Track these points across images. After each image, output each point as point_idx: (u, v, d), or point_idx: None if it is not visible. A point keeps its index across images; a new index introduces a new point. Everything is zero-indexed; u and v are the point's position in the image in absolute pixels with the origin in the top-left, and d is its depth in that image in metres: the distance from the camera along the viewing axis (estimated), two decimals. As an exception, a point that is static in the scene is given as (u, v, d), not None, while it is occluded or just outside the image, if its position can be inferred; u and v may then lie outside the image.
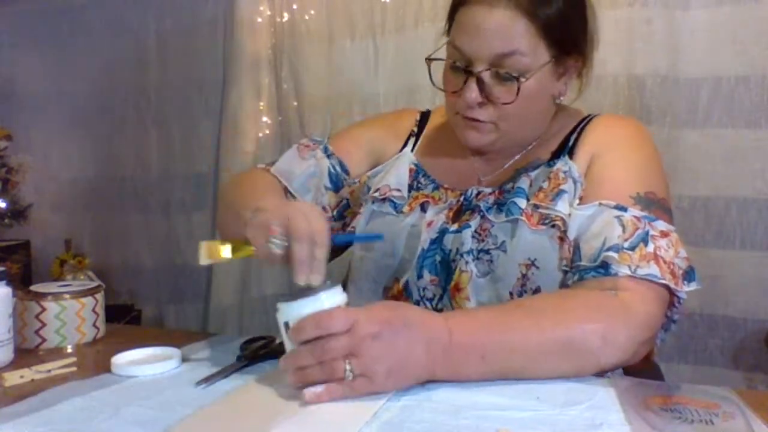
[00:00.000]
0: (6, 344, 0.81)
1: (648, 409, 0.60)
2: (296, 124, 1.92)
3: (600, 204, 0.80)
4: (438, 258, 0.85)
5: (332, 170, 0.98)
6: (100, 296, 0.96)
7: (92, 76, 2.24)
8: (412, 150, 0.99)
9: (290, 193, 0.96)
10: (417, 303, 0.86)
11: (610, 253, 0.75)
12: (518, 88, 0.81)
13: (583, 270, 0.77)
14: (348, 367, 0.62)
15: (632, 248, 0.75)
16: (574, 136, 0.90)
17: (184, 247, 2.16)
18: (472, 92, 0.83)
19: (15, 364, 0.81)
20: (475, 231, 0.84)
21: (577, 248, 0.80)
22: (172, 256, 2.18)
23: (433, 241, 0.86)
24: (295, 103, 1.93)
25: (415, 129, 1.02)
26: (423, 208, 0.90)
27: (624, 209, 0.78)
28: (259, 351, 0.80)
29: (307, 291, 0.68)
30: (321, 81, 1.87)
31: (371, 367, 0.63)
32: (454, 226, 0.86)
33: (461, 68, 0.84)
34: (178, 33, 2.11)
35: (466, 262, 0.82)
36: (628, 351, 0.72)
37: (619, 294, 0.73)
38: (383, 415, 0.61)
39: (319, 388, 0.63)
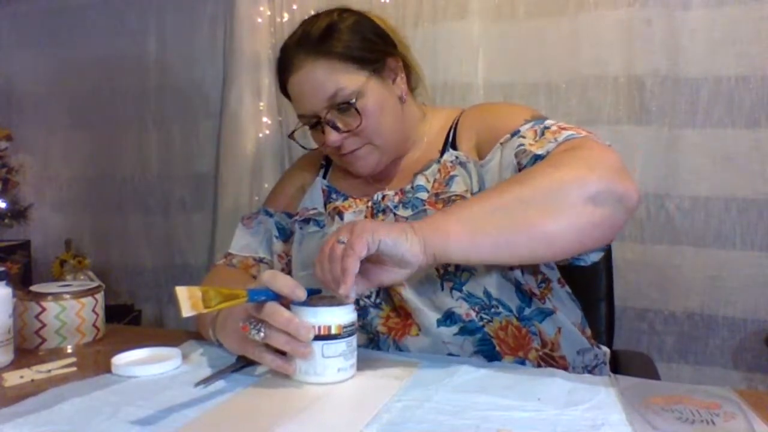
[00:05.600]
0: (6, 344, 0.81)
1: (649, 409, 0.60)
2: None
3: (500, 144, 0.87)
4: None
5: (279, 224, 1.06)
6: (100, 296, 0.96)
7: (92, 76, 2.24)
8: (324, 177, 1.08)
9: (262, 260, 1.05)
10: (359, 302, 0.89)
11: (524, 148, 0.81)
12: (356, 110, 0.91)
13: None
14: (340, 238, 0.69)
15: (541, 136, 0.82)
16: (452, 130, 0.98)
17: (184, 247, 2.16)
18: (331, 135, 0.93)
19: (15, 364, 0.81)
20: None
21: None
22: (172, 256, 2.18)
23: None
24: (296, 103, 1.92)
25: (324, 162, 1.11)
26: (340, 217, 0.97)
27: (517, 131, 0.86)
28: (260, 351, 0.80)
29: (325, 300, 0.73)
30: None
31: (354, 227, 0.69)
32: None
33: (315, 123, 0.95)
34: (178, 33, 2.11)
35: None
36: (594, 166, 0.74)
37: None
38: (384, 415, 0.61)
39: (343, 281, 0.67)
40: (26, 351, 0.88)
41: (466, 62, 1.70)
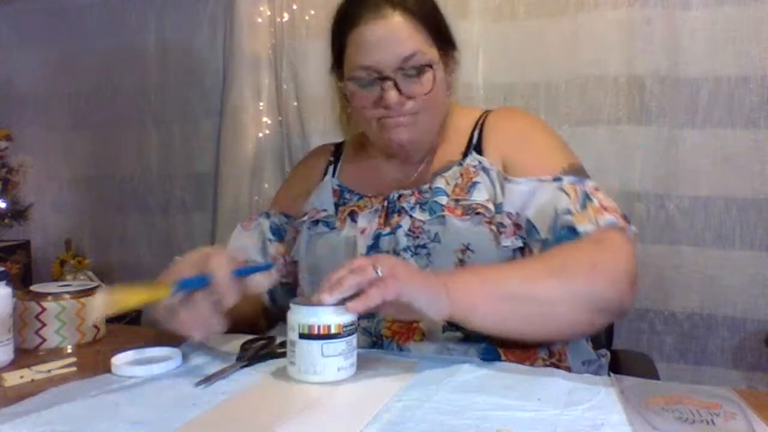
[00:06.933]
0: (6, 344, 0.81)
1: (649, 409, 0.60)
2: (296, 124, 1.92)
3: (540, 180, 0.87)
4: None
5: (273, 225, 1.06)
6: (100, 296, 0.96)
7: (92, 76, 2.24)
8: (333, 175, 1.05)
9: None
10: None
11: (568, 217, 0.82)
12: (433, 77, 0.89)
13: (553, 240, 0.84)
14: (378, 269, 0.69)
15: (583, 208, 0.83)
16: (477, 132, 0.96)
17: (184, 247, 2.15)
18: (394, 94, 0.88)
19: (15, 364, 0.81)
20: (409, 230, 0.90)
21: (528, 223, 0.86)
22: (172, 256, 2.17)
23: (370, 247, 0.92)
24: (295, 103, 1.92)
25: (332, 158, 1.09)
26: (353, 218, 0.96)
27: (560, 179, 0.87)
28: (259, 351, 0.80)
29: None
30: (321, 81, 1.85)
31: (394, 267, 0.70)
32: (387, 229, 0.92)
33: (373, 79, 0.89)
34: (178, 33, 2.11)
35: (403, 259, 0.88)
36: (614, 283, 0.79)
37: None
38: (384, 415, 0.61)
39: (358, 298, 0.67)
40: (26, 351, 0.88)
41: (466, 62, 1.69)
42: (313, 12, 1.88)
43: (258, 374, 0.75)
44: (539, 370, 0.79)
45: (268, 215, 1.08)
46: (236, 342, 0.84)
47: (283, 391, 0.69)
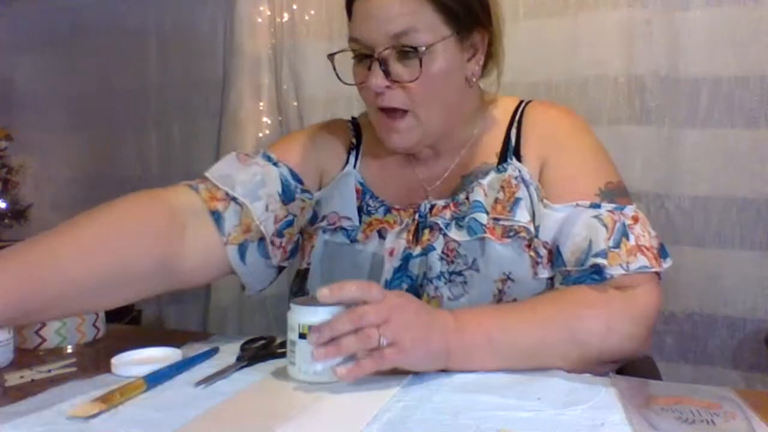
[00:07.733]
0: (6, 344, 0.81)
1: (649, 409, 0.60)
2: (296, 124, 1.92)
3: (577, 205, 0.81)
4: (405, 286, 0.85)
5: (284, 181, 0.90)
6: (100, 296, 0.96)
7: (92, 76, 2.24)
8: (354, 166, 0.95)
9: (234, 199, 0.86)
10: None
11: (599, 259, 0.78)
12: (420, 61, 0.79)
13: (576, 277, 0.80)
14: (383, 339, 0.65)
15: (617, 246, 0.78)
16: (514, 132, 0.89)
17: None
18: (377, 76, 0.80)
19: (15, 364, 0.81)
20: (442, 252, 0.83)
21: (557, 251, 0.81)
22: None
23: (397, 269, 0.85)
24: (295, 103, 1.92)
25: (354, 141, 0.98)
26: (381, 235, 0.88)
27: (598, 206, 0.81)
28: (259, 351, 0.80)
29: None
30: (321, 81, 1.86)
31: (400, 334, 0.66)
32: (418, 249, 0.85)
33: (365, 56, 0.82)
34: (178, 33, 2.11)
35: (435, 287, 0.83)
36: (631, 340, 0.76)
37: (621, 289, 0.78)
38: (384, 415, 0.61)
39: (350, 364, 0.66)
40: (26, 351, 0.88)
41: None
42: (313, 12, 1.88)
43: (258, 374, 0.74)
44: (539, 370, 0.79)
45: (271, 160, 0.91)
46: (236, 342, 0.84)
47: (283, 391, 0.69)
